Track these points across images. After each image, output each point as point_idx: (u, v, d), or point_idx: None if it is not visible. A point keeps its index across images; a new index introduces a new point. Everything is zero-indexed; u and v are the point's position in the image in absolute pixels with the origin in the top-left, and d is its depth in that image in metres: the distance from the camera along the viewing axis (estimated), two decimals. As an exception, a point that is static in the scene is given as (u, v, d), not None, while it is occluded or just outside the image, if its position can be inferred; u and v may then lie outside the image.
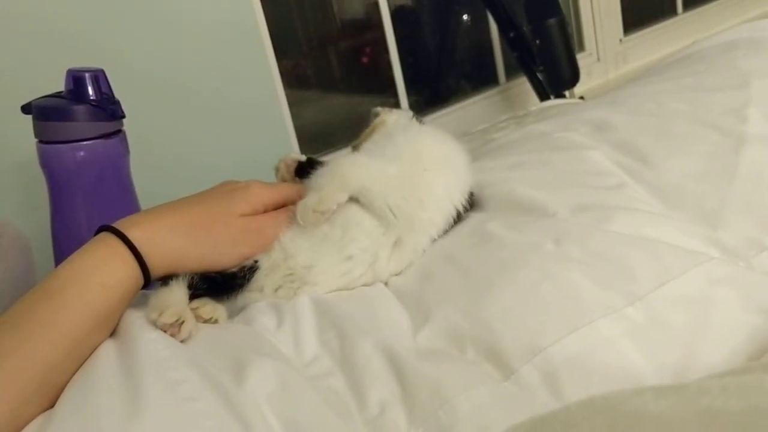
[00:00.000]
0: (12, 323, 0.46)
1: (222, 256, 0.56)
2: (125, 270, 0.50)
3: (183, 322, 0.51)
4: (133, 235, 0.51)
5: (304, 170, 0.67)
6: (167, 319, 0.50)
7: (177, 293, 0.54)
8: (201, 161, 1.25)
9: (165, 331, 0.50)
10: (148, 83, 1.22)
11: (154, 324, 0.51)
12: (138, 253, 0.51)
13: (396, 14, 1.78)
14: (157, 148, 1.14)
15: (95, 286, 0.49)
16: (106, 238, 0.51)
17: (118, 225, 0.52)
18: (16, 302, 0.48)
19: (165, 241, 0.52)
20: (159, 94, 1.24)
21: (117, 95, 0.79)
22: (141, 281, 0.52)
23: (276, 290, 0.60)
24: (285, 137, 1.46)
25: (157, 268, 0.52)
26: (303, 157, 0.69)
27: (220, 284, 0.58)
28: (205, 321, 0.55)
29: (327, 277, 0.60)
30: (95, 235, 0.53)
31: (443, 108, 1.87)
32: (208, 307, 0.56)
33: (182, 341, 0.51)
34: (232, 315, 0.59)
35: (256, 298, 0.60)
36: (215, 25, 1.30)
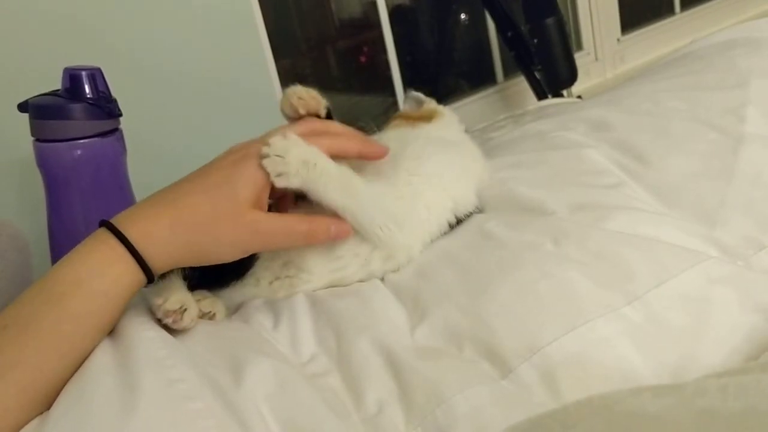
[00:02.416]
0: (16, 331, 0.45)
1: (223, 255, 0.54)
2: (127, 276, 0.49)
3: (186, 310, 0.51)
4: (131, 235, 0.49)
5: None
6: (171, 305, 0.50)
7: (177, 284, 0.54)
8: (199, 160, 1.25)
9: (166, 318, 0.50)
10: (146, 82, 1.21)
11: (157, 309, 0.50)
12: (138, 254, 0.49)
13: (394, 13, 1.78)
14: (154, 146, 1.14)
15: (99, 295, 0.48)
16: (107, 238, 0.50)
17: (117, 222, 0.50)
18: (14, 303, 0.47)
19: (165, 241, 0.51)
20: (157, 93, 1.24)
21: (115, 92, 0.79)
22: (143, 280, 0.51)
23: (271, 282, 0.60)
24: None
25: (158, 267, 0.51)
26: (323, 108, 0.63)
27: (215, 275, 0.58)
28: (204, 314, 0.55)
29: (320, 267, 0.59)
30: (99, 226, 0.51)
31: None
32: (207, 300, 0.57)
33: (181, 330, 0.50)
34: (228, 311, 0.59)
35: (252, 291, 0.60)
36: (213, 25, 1.30)
